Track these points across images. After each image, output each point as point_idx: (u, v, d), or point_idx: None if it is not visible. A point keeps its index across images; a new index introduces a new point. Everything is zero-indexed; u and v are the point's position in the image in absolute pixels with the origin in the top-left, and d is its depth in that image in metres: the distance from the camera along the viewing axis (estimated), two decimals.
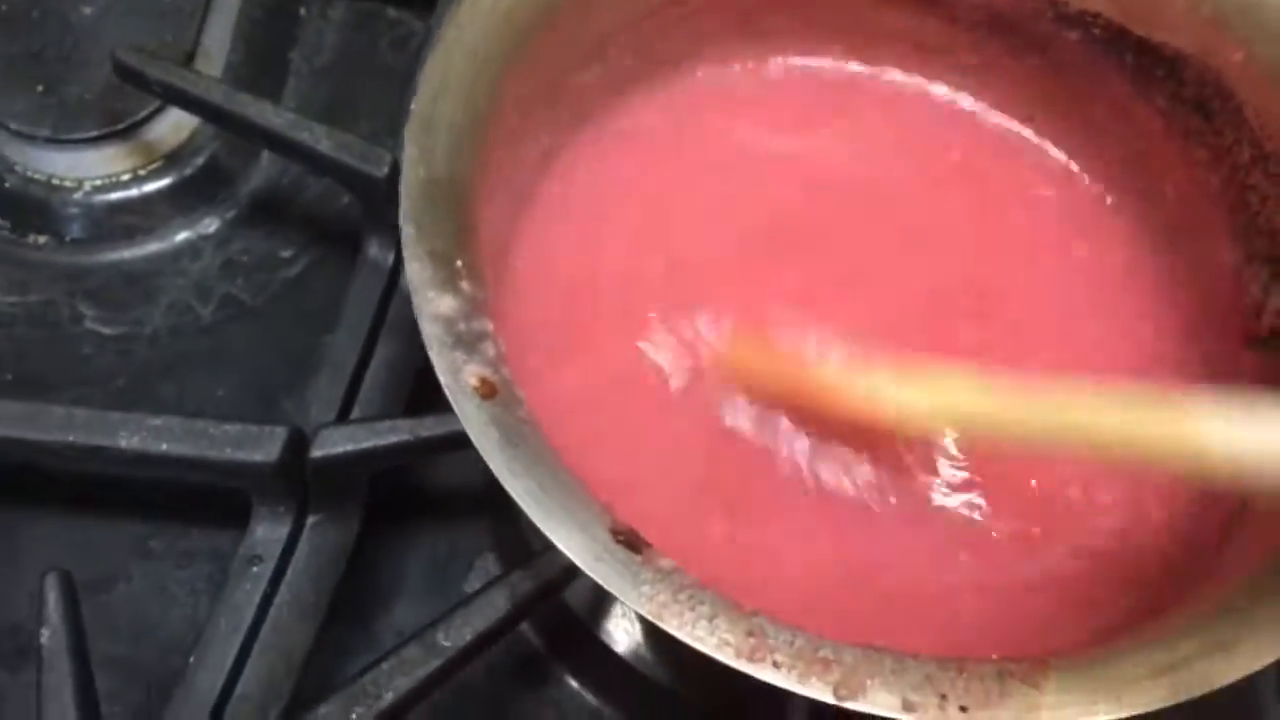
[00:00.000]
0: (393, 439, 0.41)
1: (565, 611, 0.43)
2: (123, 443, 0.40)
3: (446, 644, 0.37)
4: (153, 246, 0.51)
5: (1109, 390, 0.29)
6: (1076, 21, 0.38)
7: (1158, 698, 0.26)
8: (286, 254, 0.51)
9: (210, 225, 0.52)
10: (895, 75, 0.42)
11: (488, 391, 0.27)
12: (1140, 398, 0.28)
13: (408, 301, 0.46)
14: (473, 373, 0.27)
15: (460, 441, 0.40)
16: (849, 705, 0.25)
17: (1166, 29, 0.37)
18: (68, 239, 0.51)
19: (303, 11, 0.57)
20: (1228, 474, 0.27)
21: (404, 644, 0.37)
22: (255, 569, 0.41)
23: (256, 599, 0.41)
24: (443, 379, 0.27)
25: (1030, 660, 0.26)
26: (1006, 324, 0.38)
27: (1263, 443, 0.26)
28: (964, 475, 0.35)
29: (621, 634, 0.41)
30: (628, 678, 0.42)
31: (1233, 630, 0.27)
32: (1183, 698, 0.26)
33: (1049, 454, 0.33)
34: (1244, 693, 0.41)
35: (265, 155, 0.53)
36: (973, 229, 0.40)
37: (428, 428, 0.41)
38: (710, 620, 0.26)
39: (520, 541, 0.44)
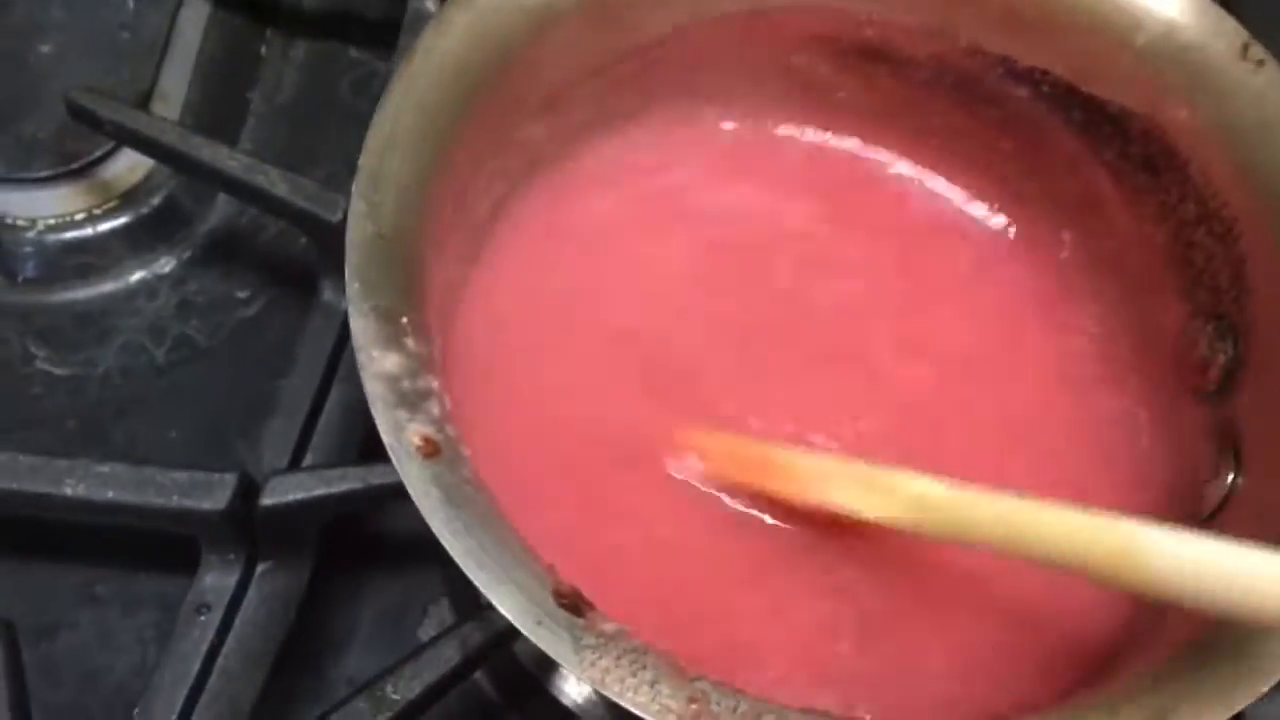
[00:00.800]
0: (344, 487, 0.41)
1: (518, 663, 0.43)
2: (68, 490, 0.39)
3: (395, 697, 0.37)
4: (107, 286, 0.51)
5: (1059, 506, 0.29)
6: (1026, 78, 0.38)
7: None
8: (243, 295, 0.51)
9: (166, 265, 0.51)
10: (847, 141, 0.42)
11: (431, 451, 0.27)
12: (1088, 516, 0.28)
13: None
14: (416, 432, 0.27)
15: None
16: None
17: (1113, 86, 0.37)
18: (20, 278, 0.51)
19: (263, 51, 0.57)
20: (1165, 597, 0.27)
21: (351, 696, 0.37)
22: (203, 617, 0.41)
23: (204, 648, 0.40)
24: (386, 438, 0.27)
25: None
26: (946, 381, 0.38)
27: (1197, 570, 0.26)
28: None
29: (572, 687, 0.41)
30: None
31: (1171, 698, 0.27)
32: None
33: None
34: None
35: (222, 196, 0.53)
36: (911, 288, 0.40)
37: (379, 476, 0.41)
38: (653, 685, 0.26)
39: (474, 589, 0.44)
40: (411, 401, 0.28)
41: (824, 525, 0.34)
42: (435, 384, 0.29)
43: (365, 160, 0.30)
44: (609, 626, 0.26)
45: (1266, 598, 0.25)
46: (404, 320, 0.29)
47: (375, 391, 0.27)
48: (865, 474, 0.33)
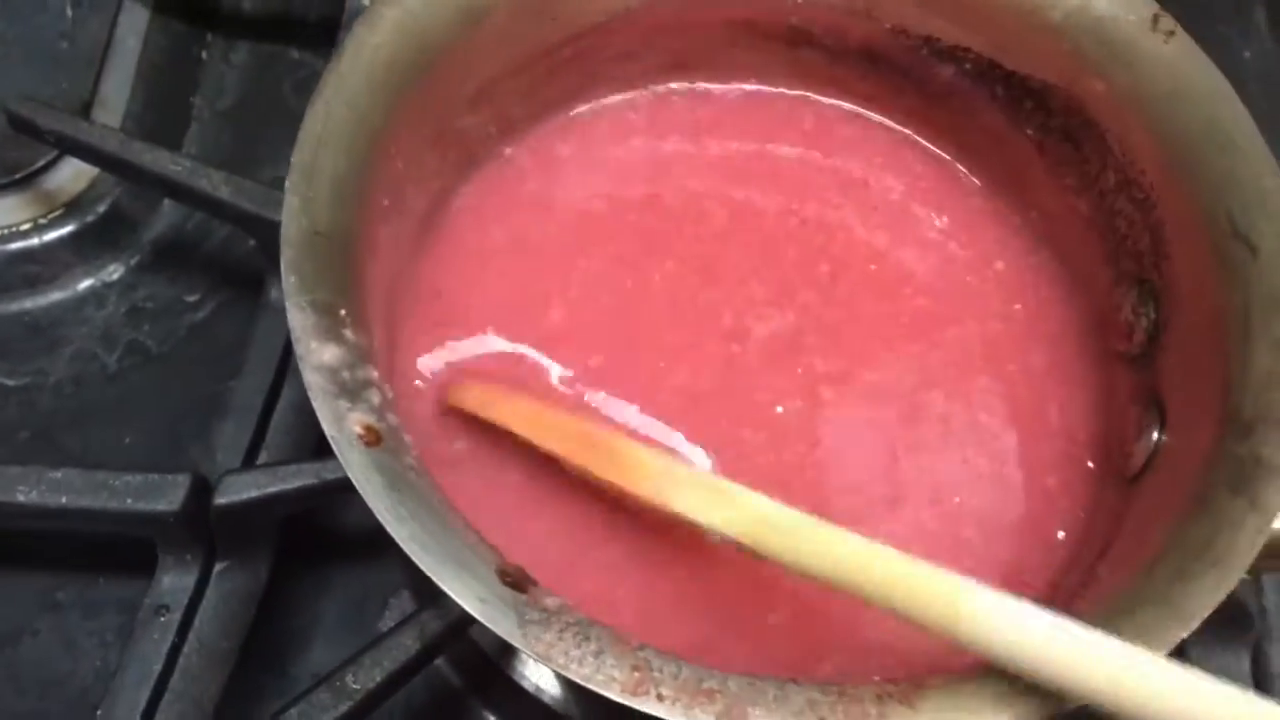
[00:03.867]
0: (297, 483, 0.41)
1: (478, 649, 0.43)
2: (21, 497, 0.40)
3: (356, 686, 0.37)
4: (55, 295, 0.51)
5: (896, 554, 0.29)
6: (949, 56, 0.39)
7: (1030, 713, 0.27)
8: (192, 299, 0.51)
9: (114, 272, 0.52)
10: (776, 137, 0.43)
11: (372, 439, 0.28)
12: (920, 567, 0.29)
13: None
14: (357, 420, 0.28)
15: None
16: None
17: (1033, 62, 0.38)
18: None
19: (204, 55, 0.57)
20: (980, 654, 0.28)
21: (313, 688, 0.37)
22: (163, 618, 0.41)
23: (165, 648, 0.41)
24: (326, 428, 0.28)
25: (907, 682, 0.27)
26: (868, 352, 0.39)
27: (1013, 637, 0.27)
28: None
29: (531, 671, 0.42)
30: (541, 712, 0.43)
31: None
32: (1052, 712, 0.27)
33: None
34: None
35: (167, 202, 0.53)
36: (866, 250, 0.41)
37: (332, 470, 0.41)
38: (596, 656, 0.26)
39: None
40: (351, 391, 0.28)
41: None
42: (374, 374, 0.29)
43: (298, 157, 0.31)
44: (551, 601, 0.27)
45: (1073, 679, 0.26)
46: (342, 313, 0.29)
47: (315, 382, 0.28)
48: (713, 484, 0.33)
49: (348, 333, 0.29)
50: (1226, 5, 0.37)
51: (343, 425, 0.28)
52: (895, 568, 0.29)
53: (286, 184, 0.30)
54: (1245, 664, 0.44)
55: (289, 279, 0.29)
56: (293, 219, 0.30)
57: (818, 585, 0.29)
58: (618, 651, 0.26)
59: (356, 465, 0.27)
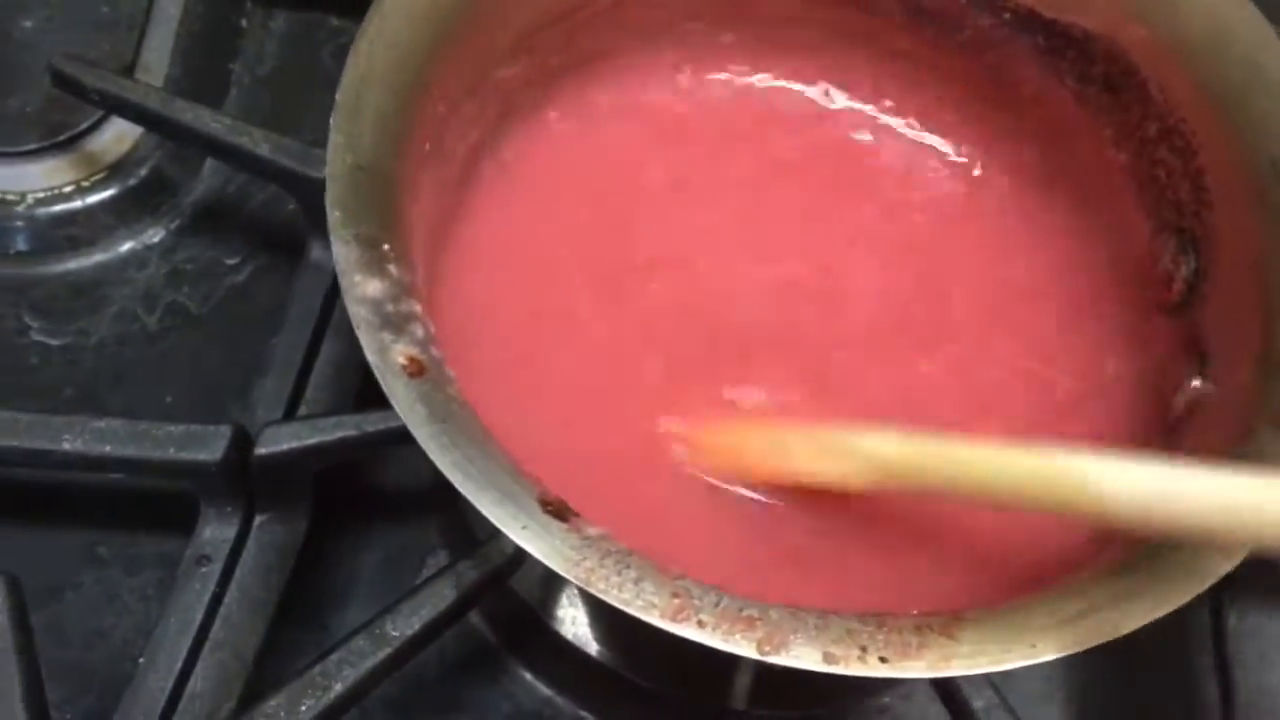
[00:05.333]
0: (338, 434, 0.41)
1: (515, 601, 0.43)
2: (66, 446, 0.40)
3: (395, 633, 0.37)
4: (97, 257, 0.51)
5: (1009, 447, 0.30)
6: (987, 6, 0.39)
7: (1067, 644, 0.27)
8: (231, 261, 0.52)
9: (155, 235, 0.52)
10: (812, 89, 0.43)
11: (416, 370, 0.28)
12: (1038, 453, 0.29)
13: None
14: (400, 352, 0.28)
15: (405, 436, 0.41)
16: (772, 660, 0.26)
17: (1075, 10, 0.38)
18: (12, 252, 0.51)
19: (244, 22, 0.57)
20: (1118, 524, 0.28)
21: (352, 635, 0.38)
22: (204, 569, 0.42)
23: (206, 598, 0.41)
24: (371, 358, 0.28)
25: (947, 614, 0.27)
26: (912, 311, 0.39)
27: (1147, 497, 0.27)
28: None
29: (569, 621, 0.42)
30: (577, 665, 0.43)
31: (1139, 580, 0.28)
32: (1091, 644, 0.27)
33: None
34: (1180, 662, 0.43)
35: (208, 164, 0.53)
36: (881, 222, 0.41)
37: (373, 423, 0.41)
38: (636, 583, 0.26)
39: (470, 535, 0.45)
40: (396, 324, 0.29)
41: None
42: (418, 308, 0.29)
43: (342, 94, 0.31)
44: (593, 530, 0.27)
45: (1213, 516, 0.26)
46: (385, 247, 0.30)
47: (360, 314, 0.28)
48: (822, 439, 0.33)
49: (392, 267, 0.29)
50: None
51: (387, 356, 0.28)
52: (1017, 459, 0.29)
53: (331, 121, 0.31)
54: None
55: (334, 213, 0.29)
56: (337, 154, 0.30)
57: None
58: (657, 579, 0.27)
59: (401, 395, 0.27)
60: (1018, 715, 0.36)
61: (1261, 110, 0.34)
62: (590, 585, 0.26)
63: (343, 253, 0.29)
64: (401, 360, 0.28)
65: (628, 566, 0.27)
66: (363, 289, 0.28)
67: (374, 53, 0.32)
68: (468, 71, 0.35)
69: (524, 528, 0.26)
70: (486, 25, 0.35)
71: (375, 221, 0.30)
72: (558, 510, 0.27)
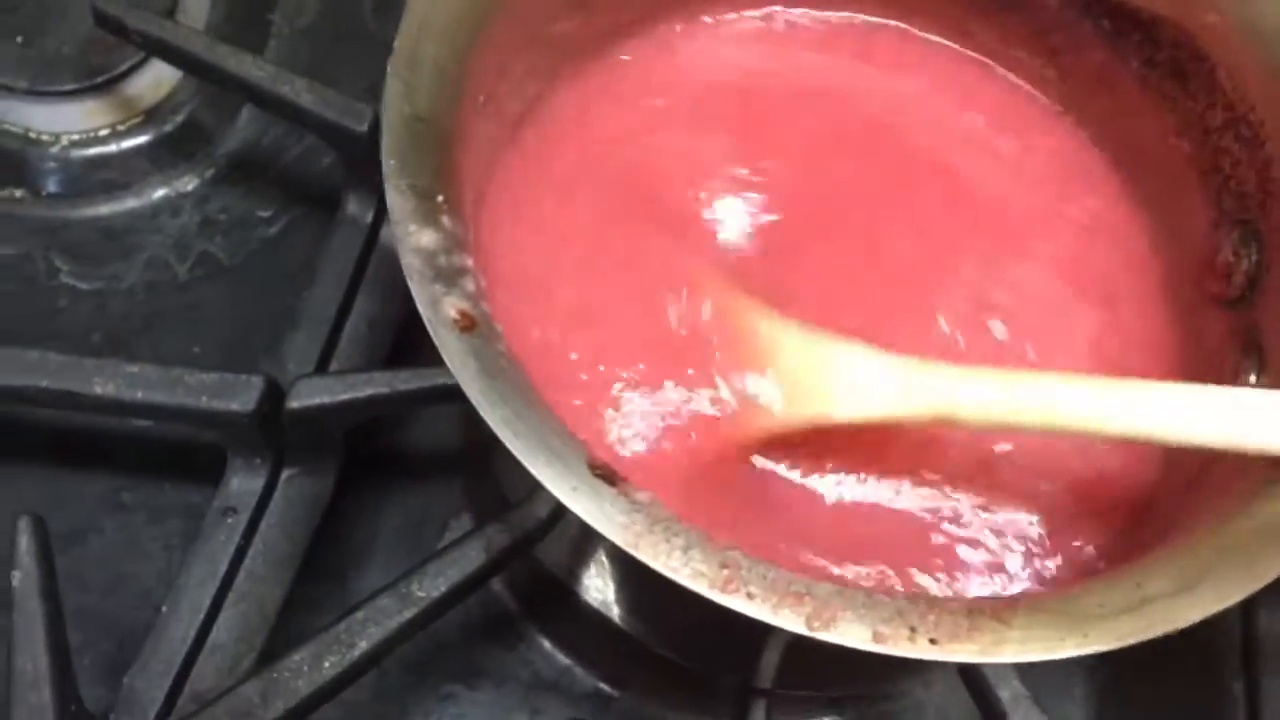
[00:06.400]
0: (369, 391, 0.41)
1: (539, 570, 0.43)
2: (98, 389, 0.40)
3: (420, 594, 0.37)
4: (130, 203, 0.51)
5: (1083, 378, 0.31)
6: None
7: (1123, 634, 0.26)
8: (265, 214, 0.51)
9: (189, 183, 0.52)
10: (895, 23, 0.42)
11: (467, 324, 0.28)
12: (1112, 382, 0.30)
13: (387, 258, 0.47)
14: (453, 305, 0.28)
15: (437, 395, 0.41)
16: (821, 636, 0.26)
17: None
18: (44, 193, 0.51)
19: None
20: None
21: (378, 594, 0.37)
22: (230, 520, 0.41)
23: (231, 549, 0.41)
24: (423, 310, 0.27)
25: (1000, 598, 0.27)
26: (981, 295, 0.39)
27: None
28: None
29: (595, 591, 0.42)
30: (600, 634, 0.43)
31: (1198, 572, 0.27)
32: (1147, 635, 0.26)
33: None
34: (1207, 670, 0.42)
35: (245, 114, 0.53)
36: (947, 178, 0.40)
37: (404, 381, 0.41)
38: (685, 551, 0.26)
39: (495, 500, 0.44)
40: (448, 276, 0.28)
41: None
42: (470, 262, 0.29)
43: (401, 41, 0.30)
44: (642, 495, 0.27)
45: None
46: (439, 199, 0.29)
47: (413, 265, 0.28)
48: (898, 368, 0.33)
49: (445, 219, 0.29)
50: None
51: (439, 309, 0.27)
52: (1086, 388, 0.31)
53: (389, 68, 0.30)
54: None
55: (389, 162, 0.28)
56: (394, 103, 0.29)
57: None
58: (706, 549, 0.26)
59: (453, 349, 0.27)
60: (1043, 707, 0.36)
61: None
62: (639, 551, 0.26)
63: (398, 202, 0.28)
64: (453, 314, 0.27)
65: (676, 534, 0.26)
66: (417, 239, 0.28)
67: (433, 1, 0.31)
68: (525, 26, 0.35)
69: (574, 489, 0.26)
70: None
71: (430, 173, 0.29)
72: (606, 474, 0.27)
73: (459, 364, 0.27)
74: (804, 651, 0.25)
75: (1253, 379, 0.34)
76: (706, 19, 0.41)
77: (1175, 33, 0.37)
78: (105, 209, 0.51)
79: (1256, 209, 0.35)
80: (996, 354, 0.38)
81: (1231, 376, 0.35)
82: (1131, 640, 0.26)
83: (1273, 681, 0.42)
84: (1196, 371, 0.37)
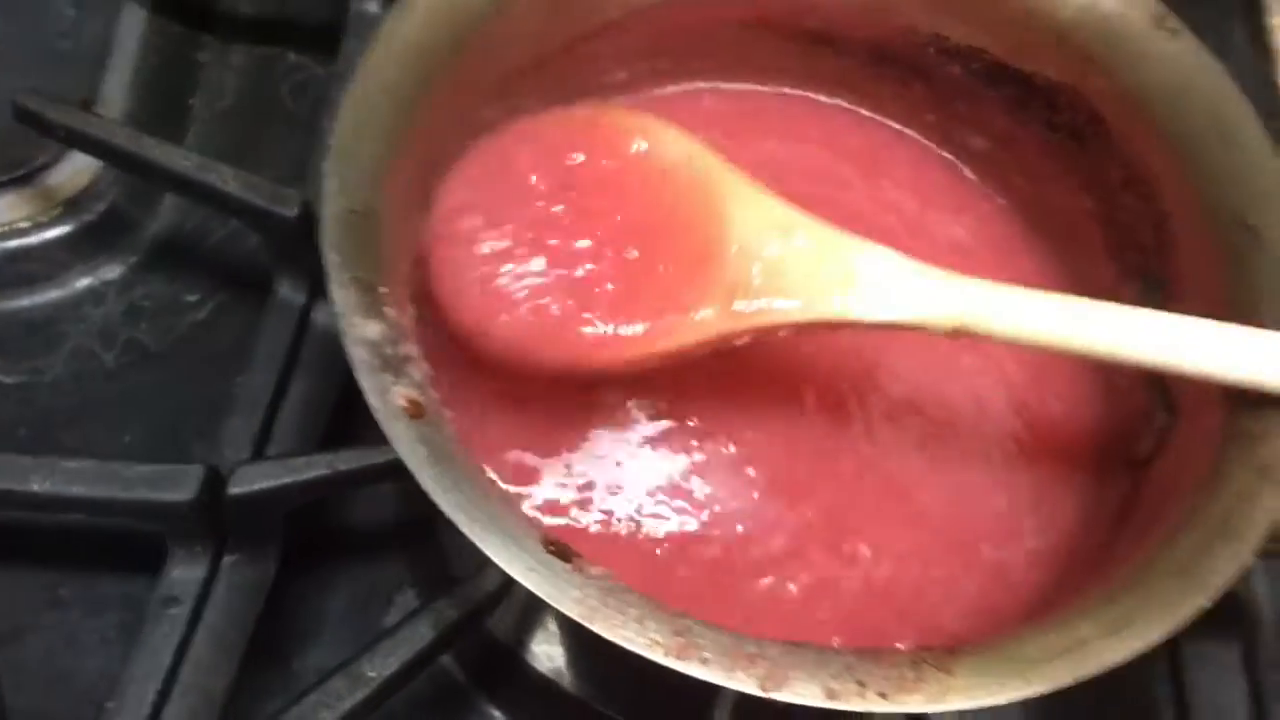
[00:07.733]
0: (311, 474, 0.41)
1: (487, 640, 0.43)
2: (35, 486, 0.39)
3: (372, 674, 0.37)
4: (53, 294, 0.51)
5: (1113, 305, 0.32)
6: (957, 55, 0.40)
7: (1060, 678, 0.28)
8: (192, 299, 0.51)
9: (112, 271, 0.51)
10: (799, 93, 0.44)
11: (415, 412, 0.28)
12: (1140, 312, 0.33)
13: (320, 340, 0.47)
14: (400, 394, 0.28)
15: (378, 474, 0.41)
16: (774, 696, 0.26)
17: (1041, 61, 0.39)
18: None
19: (202, 57, 0.57)
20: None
21: (329, 676, 0.37)
22: (173, 610, 0.41)
23: (175, 640, 0.40)
24: (371, 400, 0.28)
25: (942, 648, 0.28)
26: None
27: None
28: None
29: (544, 658, 0.42)
30: (551, 700, 0.43)
31: (1124, 613, 0.29)
32: (1082, 677, 0.28)
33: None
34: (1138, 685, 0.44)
35: (167, 201, 0.53)
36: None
37: (345, 461, 0.41)
38: (640, 622, 0.27)
39: (440, 573, 0.45)
40: (395, 366, 0.29)
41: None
42: (414, 350, 0.29)
43: (338, 139, 0.31)
44: (595, 570, 0.27)
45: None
46: (382, 290, 0.30)
47: (360, 356, 0.28)
48: (924, 274, 0.34)
49: (388, 310, 0.29)
50: (1206, 20, 0.39)
51: (387, 398, 0.28)
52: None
53: (324, 166, 0.31)
54: (1235, 655, 0.44)
55: (331, 257, 0.29)
56: (333, 199, 0.30)
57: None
58: (660, 617, 0.27)
59: (402, 437, 0.28)
60: None
61: (1224, 160, 0.35)
62: (594, 624, 0.26)
63: (341, 296, 0.29)
64: (402, 402, 0.28)
65: (631, 605, 0.27)
66: (362, 331, 0.29)
67: (368, 99, 0.32)
68: (453, 112, 0.36)
69: (530, 570, 0.27)
70: (472, 66, 0.36)
71: (370, 264, 0.30)
72: (560, 551, 0.28)
73: (409, 451, 0.27)
74: (752, 705, 0.26)
75: (1162, 425, 0.36)
76: (620, 99, 0.42)
77: (1072, 97, 0.39)
78: (27, 301, 0.50)
79: (1156, 261, 0.37)
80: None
81: (1144, 420, 0.37)
82: (1068, 682, 0.28)
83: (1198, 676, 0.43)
84: (1116, 422, 0.39)
